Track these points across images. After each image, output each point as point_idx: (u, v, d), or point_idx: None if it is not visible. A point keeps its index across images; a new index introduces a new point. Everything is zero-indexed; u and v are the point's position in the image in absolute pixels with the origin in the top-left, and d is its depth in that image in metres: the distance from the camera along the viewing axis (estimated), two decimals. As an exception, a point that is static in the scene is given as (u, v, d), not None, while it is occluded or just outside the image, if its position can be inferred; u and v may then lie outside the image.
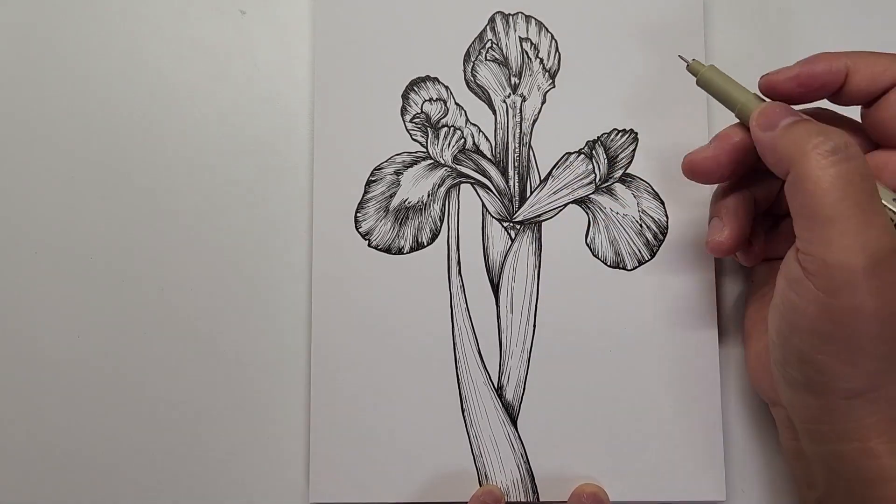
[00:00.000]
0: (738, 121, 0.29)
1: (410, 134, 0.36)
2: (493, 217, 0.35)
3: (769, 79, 0.28)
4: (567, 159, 0.36)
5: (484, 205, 0.35)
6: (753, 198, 0.31)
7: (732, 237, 0.30)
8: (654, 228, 0.35)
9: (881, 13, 0.37)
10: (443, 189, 0.35)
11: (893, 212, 0.25)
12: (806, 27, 0.37)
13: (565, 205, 0.35)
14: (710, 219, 0.31)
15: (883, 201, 0.25)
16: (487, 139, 0.36)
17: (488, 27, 0.36)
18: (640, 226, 0.35)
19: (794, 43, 0.37)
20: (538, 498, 0.34)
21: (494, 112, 0.36)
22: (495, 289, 0.35)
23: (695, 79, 0.30)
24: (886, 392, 0.25)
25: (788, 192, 0.25)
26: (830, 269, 0.24)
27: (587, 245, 0.35)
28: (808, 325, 0.25)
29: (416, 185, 0.35)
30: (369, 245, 0.35)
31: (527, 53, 0.36)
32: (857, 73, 0.27)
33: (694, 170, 0.30)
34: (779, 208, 0.32)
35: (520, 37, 0.36)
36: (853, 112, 0.30)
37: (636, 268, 0.35)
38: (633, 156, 0.35)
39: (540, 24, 0.36)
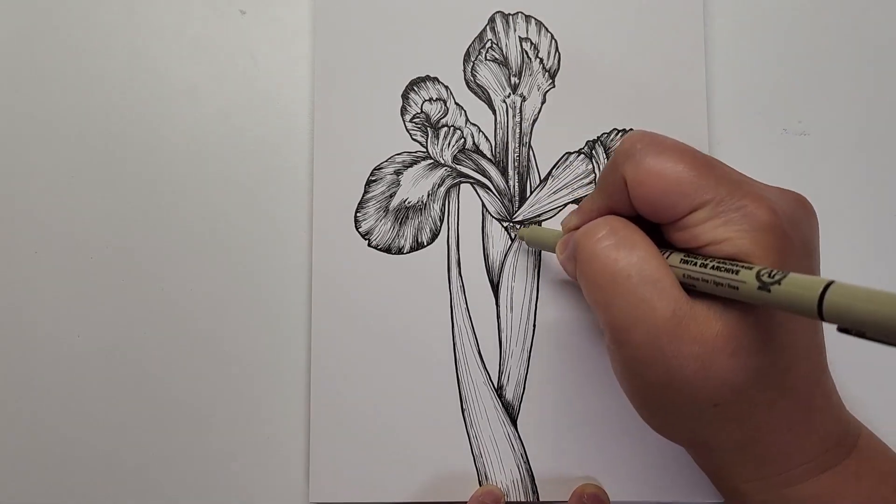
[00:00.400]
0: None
1: (410, 134, 0.36)
2: (493, 217, 0.35)
3: (564, 223, 0.31)
4: (567, 159, 0.36)
5: (484, 205, 0.35)
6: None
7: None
8: (654, 228, 0.35)
9: (884, 10, 0.37)
10: (443, 189, 0.35)
11: (684, 268, 0.25)
12: (806, 26, 0.37)
13: (565, 205, 0.35)
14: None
15: (670, 263, 0.25)
16: (487, 139, 0.36)
17: (488, 27, 0.36)
18: (640, 226, 0.35)
19: (795, 42, 0.37)
20: (538, 498, 0.34)
21: (494, 112, 0.36)
22: (495, 288, 0.35)
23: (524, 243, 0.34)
24: (725, 446, 0.26)
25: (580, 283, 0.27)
26: (619, 346, 0.25)
27: (587, 245, 0.35)
28: (632, 393, 0.27)
29: (416, 185, 0.35)
30: (369, 245, 0.35)
31: (527, 53, 0.36)
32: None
33: None
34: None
35: (520, 37, 0.36)
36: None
37: (636, 268, 0.35)
38: (633, 156, 0.35)
39: (540, 24, 0.36)
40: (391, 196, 0.35)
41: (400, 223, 0.35)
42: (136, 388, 0.35)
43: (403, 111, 0.36)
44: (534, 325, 0.34)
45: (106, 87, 0.37)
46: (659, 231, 0.26)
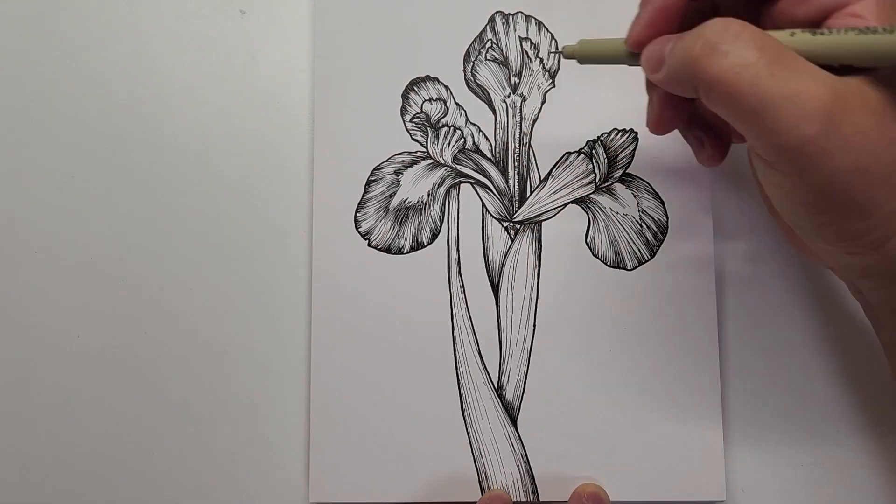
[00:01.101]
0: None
1: (410, 134, 0.36)
2: (493, 217, 0.35)
3: (631, 37, 0.27)
4: (567, 159, 0.36)
5: (484, 205, 0.35)
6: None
7: (658, 116, 0.29)
8: (654, 228, 0.35)
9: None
10: (443, 189, 0.35)
11: (813, 51, 0.23)
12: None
13: (565, 205, 0.35)
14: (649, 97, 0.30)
15: (801, 45, 0.24)
16: (487, 139, 0.36)
17: (488, 27, 0.36)
18: (640, 226, 0.35)
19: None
20: (538, 498, 0.34)
21: (494, 112, 0.36)
22: (495, 289, 0.35)
23: (576, 62, 0.29)
24: None
25: (710, 107, 0.24)
26: (788, 152, 0.23)
27: (587, 245, 0.35)
28: (803, 206, 0.25)
29: (415, 185, 0.35)
30: (369, 245, 0.35)
31: (527, 53, 0.36)
32: None
33: (657, 131, 0.29)
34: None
35: (520, 37, 0.36)
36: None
37: (636, 268, 0.35)
38: (633, 156, 0.35)
39: (540, 24, 0.36)
40: (391, 196, 0.35)
41: (400, 223, 0.35)
42: (136, 388, 0.35)
43: (403, 111, 0.36)
44: (534, 326, 0.34)
45: (106, 87, 0.37)
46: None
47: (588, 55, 0.29)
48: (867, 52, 0.22)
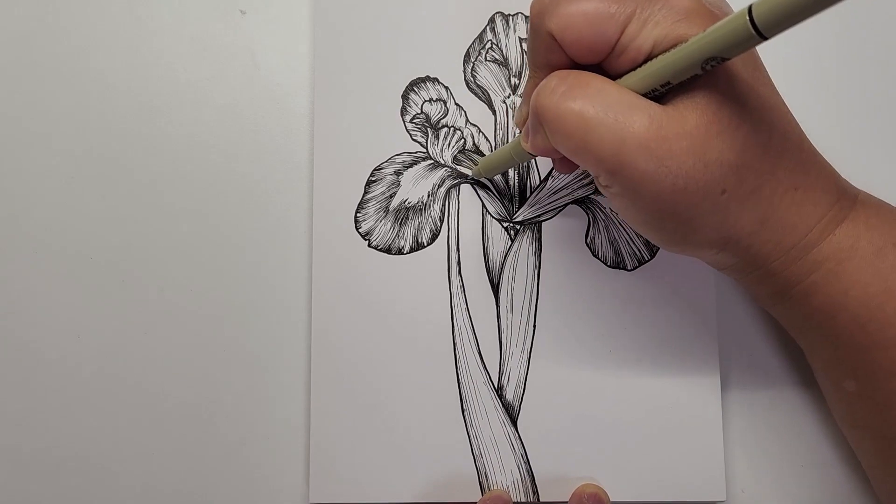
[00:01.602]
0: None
1: (410, 134, 0.36)
2: (493, 217, 0.35)
3: (518, 117, 0.31)
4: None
5: (484, 205, 0.35)
6: None
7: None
8: (654, 228, 0.35)
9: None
10: (443, 189, 0.35)
11: (643, 79, 0.26)
12: (807, 29, 0.37)
13: (565, 205, 0.35)
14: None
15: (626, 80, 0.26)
16: (487, 139, 0.36)
17: (488, 28, 0.36)
18: (640, 226, 0.35)
19: (794, 42, 0.37)
20: (538, 498, 0.34)
21: (494, 112, 0.36)
22: (495, 289, 0.35)
23: (481, 178, 0.34)
24: (741, 232, 0.27)
25: (556, 147, 0.27)
26: (616, 177, 0.25)
27: (587, 245, 0.35)
28: (642, 224, 0.28)
29: (416, 186, 0.35)
30: (369, 245, 0.35)
31: (527, 54, 0.36)
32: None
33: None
34: None
35: (520, 37, 0.36)
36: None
37: (636, 268, 0.35)
38: (633, 156, 0.35)
39: (540, 25, 0.36)
40: (391, 196, 0.35)
41: (400, 223, 0.35)
42: (136, 388, 0.35)
43: (403, 111, 0.36)
44: (534, 326, 0.35)
45: (106, 87, 0.37)
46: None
47: (487, 167, 0.34)
48: (671, 69, 0.24)
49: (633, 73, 0.26)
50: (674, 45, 0.25)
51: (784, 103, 0.28)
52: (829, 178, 0.28)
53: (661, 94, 0.25)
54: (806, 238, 0.27)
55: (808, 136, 0.28)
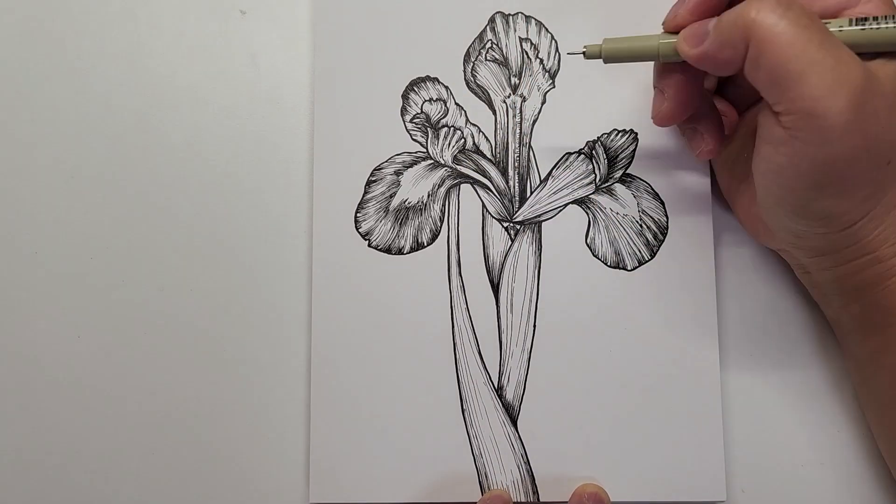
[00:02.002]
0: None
1: (410, 134, 0.36)
2: (493, 217, 0.35)
3: (672, 20, 0.29)
4: (567, 159, 0.36)
5: (484, 205, 0.35)
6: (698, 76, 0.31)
7: (672, 108, 0.30)
8: (654, 228, 0.35)
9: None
10: (443, 189, 0.35)
11: (852, 38, 0.26)
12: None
13: (565, 205, 0.35)
14: (654, 92, 0.32)
15: (833, 32, 0.26)
16: (487, 139, 0.36)
17: (488, 27, 0.36)
18: (640, 226, 0.35)
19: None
20: (538, 498, 0.34)
21: (494, 112, 0.36)
22: (495, 289, 0.35)
23: (601, 61, 0.31)
24: (881, 209, 0.27)
25: (752, 70, 0.26)
26: (817, 119, 0.24)
27: (587, 245, 0.35)
28: (801, 181, 0.26)
29: (416, 186, 0.35)
30: (369, 245, 0.35)
31: (527, 53, 0.36)
32: None
33: (665, 123, 0.31)
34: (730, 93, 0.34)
35: (520, 37, 0.36)
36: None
37: (636, 268, 0.35)
38: (633, 156, 0.35)
39: (540, 25, 0.36)
40: (391, 196, 0.35)
41: (400, 223, 0.35)
42: (136, 388, 0.35)
43: (403, 111, 0.36)
44: (534, 326, 0.34)
45: (106, 88, 0.37)
46: None
47: (614, 53, 0.30)
48: (887, 40, 0.25)
49: (851, 28, 0.26)
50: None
51: None
52: None
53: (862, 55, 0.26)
54: None
55: None
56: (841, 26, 0.27)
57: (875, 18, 0.26)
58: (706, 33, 0.27)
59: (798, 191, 0.27)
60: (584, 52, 0.31)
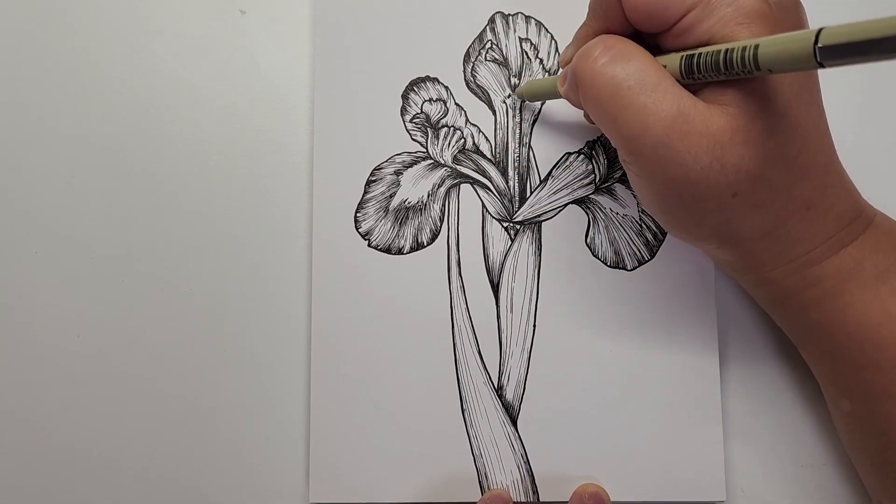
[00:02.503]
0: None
1: (410, 134, 0.36)
2: (493, 217, 0.35)
3: (563, 59, 0.32)
4: (567, 159, 0.36)
5: (484, 205, 0.35)
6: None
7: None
8: (654, 228, 0.35)
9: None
10: (443, 189, 0.35)
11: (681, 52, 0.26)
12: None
13: (565, 205, 0.35)
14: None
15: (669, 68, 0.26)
16: (487, 139, 0.36)
17: (488, 27, 0.36)
18: (640, 226, 0.35)
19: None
20: (538, 498, 0.34)
21: (494, 112, 0.36)
22: (495, 289, 0.35)
23: (524, 101, 0.35)
24: (750, 234, 0.27)
25: (588, 112, 0.28)
26: (636, 156, 0.26)
27: (587, 245, 0.35)
28: (650, 207, 0.28)
29: (416, 185, 0.35)
30: (369, 245, 0.35)
31: (527, 54, 0.36)
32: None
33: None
34: None
35: (520, 37, 0.36)
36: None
37: (636, 268, 0.35)
38: (632, 156, 0.35)
39: (540, 25, 0.36)
40: (391, 196, 0.35)
41: (400, 223, 0.35)
42: (136, 388, 0.35)
43: (403, 111, 0.36)
44: (534, 326, 0.35)
45: (106, 87, 0.37)
46: (652, 47, 0.27)
47: (528, 93, 0.34)
48: (713, 64, 0.24)
49: (677, 54, 0.26)
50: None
51: (825, 123, 0.28)
52: (847, 201, 0.28)
53: (699, 84, 0.25)
54: (808, 255, 0.27)
55: (838, 153, 0.28)
56: (665, 64, 0.26)
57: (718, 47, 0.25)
58: (565, 79, 0.29)
59: (655, 215, 0.29)
60: (512, 96, 0.35)
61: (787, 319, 0.30)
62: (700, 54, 0.25)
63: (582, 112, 0.34)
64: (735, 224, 0.27)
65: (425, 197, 0.35)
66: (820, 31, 0.20)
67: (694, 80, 0.25)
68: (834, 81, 0.30)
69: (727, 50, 0.24)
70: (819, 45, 0.20)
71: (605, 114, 0.26)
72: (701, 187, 0.25)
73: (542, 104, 0.36)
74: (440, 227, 0.35)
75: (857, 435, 0.30)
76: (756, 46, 0.23)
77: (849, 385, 0.29)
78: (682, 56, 0.26)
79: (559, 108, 0.36)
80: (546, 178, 0.35)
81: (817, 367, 0.31)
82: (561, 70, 0.31)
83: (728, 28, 0.25)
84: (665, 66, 0.26)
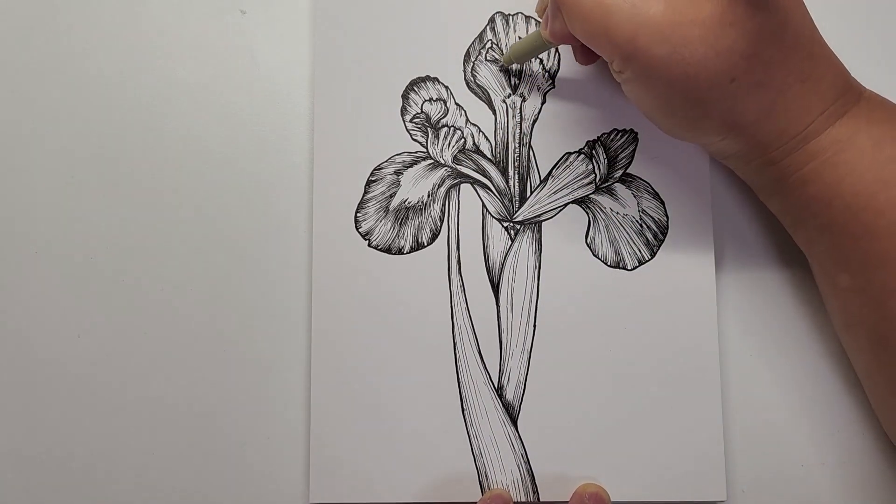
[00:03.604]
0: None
1: (410, 134, 0.36)
2: (494, 217, 0.35)
3: (538, 7, 0.33)
4: (567, 159, 0.36)
5: (484, 205, 0.35)
6: None
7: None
8: (654, 228, 0.35)
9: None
10: (443, 189, 0.35)
11: None
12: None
13: (565, 205, 0.35)
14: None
15: None
16: (487, 139, 0.36)
17: (488, 27, 0.36)
18: (640, 226, 0.35)
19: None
20: (538, 498, 0.34)
21: (494, 112, 0.36)
22: (495, 289, 0.35)
23: (513, 65, 0.35)
24: (752, 116, 0.28)
25: (575, 34, 0.28)
26: (631, 61, 0.26)
27: (587, 245, 0.35)
28: (652, 112, 0.29)
29: (416, 185, 0.35)
30: (369, 245, 0.35)
31: None
32: None
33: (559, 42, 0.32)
34: None
35: (519, 37, 0.36)
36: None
37: (636, 268, 0.35)
38: (633, 156, 0.36)
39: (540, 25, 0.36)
40: (391, 196, 0.35)
41: (400, 223, 0.35)
42: (136, 388, 0.35)
43: (403, 111, 0.36)
44: (534, 326, 0.34)
45: (106, 87, 0.37)
46: None
47: (515, 54, 0.34)
48: None
49: None
50: None
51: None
52: (837, 72, 0.29)
53: None
54: (808, 128, 0.28)
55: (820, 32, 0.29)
56: None
57: None
58: (546, 19, 0.30)
59: (657, 119, 0.30)
60: (501, 65, 0.35)
61: (786, 200, 0.31)
62: None
63: (591, 113, 0.34)
64: (739, 109, 0.27)
65: (425, 197, 0.35)
66: None
67: None
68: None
69: None
70: None
71: (594, 26, 0.26)
72: (701, 79, 0.26)
73: (542, 105, 0.36)
74: (440, 226, 0.35)
75: (855, 310, 0.30)
76: None
77: (846, 257, 0.29)
78: None
79: (559, 107, 0.36)
80: (546, 178, 0.35)
81: (815, 246, 0.31)
82: (540, 19, 0.31)
83: None
84: None
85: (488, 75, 0.36)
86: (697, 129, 0.29)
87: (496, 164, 0.36)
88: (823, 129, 0.28)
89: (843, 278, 0.30)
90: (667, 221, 0.35)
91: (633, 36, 0.26)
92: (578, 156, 0.36)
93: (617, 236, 0.35)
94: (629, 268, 0.35)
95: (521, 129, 0.36)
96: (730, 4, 0.26)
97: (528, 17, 0.36)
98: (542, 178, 0.35)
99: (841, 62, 0.30)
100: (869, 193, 0.28)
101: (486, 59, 0.36)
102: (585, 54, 0.32)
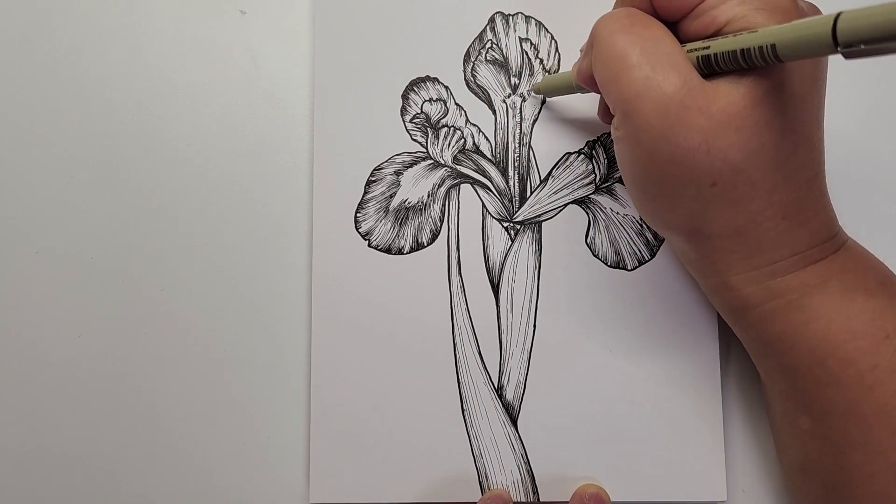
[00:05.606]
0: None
1: (410, 134, 0.36)
2: (493, 217, 0.35)
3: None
4: (567, 159, 0.36)
5: (484, 205, 0.35)
6: None
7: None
8: (655, 228, 0.35)
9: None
10: (443, 189, 0.35)
11: (699, 50, 0.26)
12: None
13: (565, 205, 0.35)
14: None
15: (686, 48, 0.26)
16: (487, 139, 0.36)
17: (488, 27, 0.36)
18: (641, 226, 0.35)
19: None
20: (538, 498, 0.34)
21: (494, 112, 0.36)
22: (495, 289, 0.35)
23: (542, 98, 0.35)
24: (720, 231, 0.27)
25: (595, 73, 0.28)
26: (629, 119, 0.26)
27: (587, 245, 0.35)
28: (628, 180, 0.28)
29: (416, 186, 0.35)
30: (369, 245, 0.35)
31: (527, 54, 0.36)
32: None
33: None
34: None
35: (520, 37, 0.36)
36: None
37: (636, 268, 0.35)
38: (633, 156, 0.35)
39: (540, 25, 0.36)
40: (391, 196, 0.35)
41: (400, 223, 0.35)
42: (136, 388, 0.35)
43: (403, 111, 0.36)
44: (534, 326, 0.34)
45: (106, 87, 0.37)
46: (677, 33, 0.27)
47: (546, 86, 0.34)
48: (726, 49, 0.24)
49: (696, 42, 0.26)
50: (744, 30, 0.24)
51: (820, 138, 0.27)
52: (823, 222, 0.27)
53: (712, 73, 0.25)
54: (774, 265, 0.27)
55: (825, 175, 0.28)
56: (694, 48, 0.26)
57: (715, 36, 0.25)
58: (580, 72, 0.29)
59: (630, 190, 0.28)
60: (531, 91, 0.35)
61: (746, 331, 0.29)
62: (717, 55, 0.25)
63: (591, 113, 0.33)
64: (708, 216, 0.26)
65: (425, 197, 0.35)
66: (838, 16, 0.19)
67: (709, 66, 0.25)
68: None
69: (741, 35, 0.24)
70: (838, 30, 0.19)
71: (610, 73, 0.26)
72: (683, 168, 0.25)
73: (542, 104, 0.36)
74: (440, 227, 0.35)
75: (813, 455, 0.28)
76: (773, 46, 0.22)
77: (808, 402, 0.28)
78: (697, 44, 0.26)
79: (560, 107, 0.36)
80: (546, 178, 0.35)
81: (776, 384, 0.30)
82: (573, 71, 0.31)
83: (747, 11, 0.24)
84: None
85: (488, 75, 0.36)
86: (664, 218, 0.28)
87: (496, 164, 0.35)
88: (791, 270, 0.27)
89: (804, 421, 0.28)
90: (667, 221, 0.35)
91: (639, 97, 0.25)
92: (578, 156, 0.36)
93: (617, 236, 0.35)
94: (629, 268, 0.35)
95: (521, 129, 0.36)
96: (746, 109, 0.24)
97: (527, 17, 0.36)
98: (542, 178, 0.35)
99: (832, 211, 0.28)
100: (837, 341, 0.26)
101: (486, 60, 0.36)
102: (606, 113, 0.31)
